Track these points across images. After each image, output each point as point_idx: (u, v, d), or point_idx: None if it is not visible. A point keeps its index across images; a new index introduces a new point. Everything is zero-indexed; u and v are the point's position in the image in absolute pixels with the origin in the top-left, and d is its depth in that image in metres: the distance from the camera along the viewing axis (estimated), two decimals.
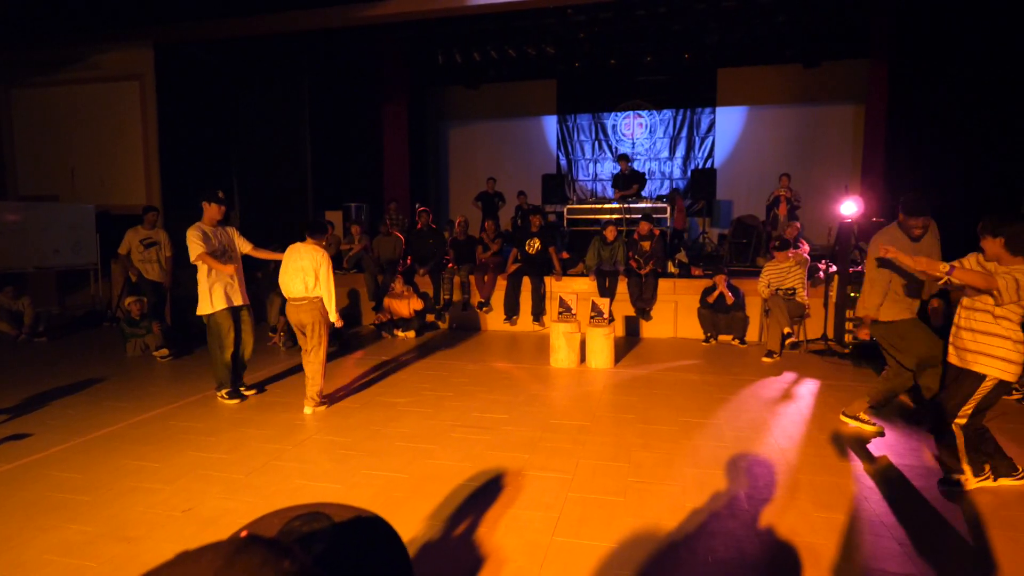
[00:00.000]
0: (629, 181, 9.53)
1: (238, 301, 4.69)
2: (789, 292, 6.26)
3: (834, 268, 6.90)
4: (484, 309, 7.84)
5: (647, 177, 12.06)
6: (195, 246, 4.45)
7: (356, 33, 10.23)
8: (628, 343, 6.99)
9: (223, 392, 4.73)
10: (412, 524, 2.78)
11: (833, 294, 6.66)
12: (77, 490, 3.20)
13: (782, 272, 6.35)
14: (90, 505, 3.02)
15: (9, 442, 3.90)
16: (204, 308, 4.57)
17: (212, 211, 4.61)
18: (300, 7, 8.62)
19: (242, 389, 4.90)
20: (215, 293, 4.55)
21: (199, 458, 3.62)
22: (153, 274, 6.73)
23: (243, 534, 0.65)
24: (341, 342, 6.91)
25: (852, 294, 6.44)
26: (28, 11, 9.00)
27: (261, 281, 7.73)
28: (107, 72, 9.33)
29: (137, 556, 2.54)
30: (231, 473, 3.39)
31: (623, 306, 7.36)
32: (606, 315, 5.95)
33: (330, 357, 6.30)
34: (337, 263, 8.66)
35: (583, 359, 5.93)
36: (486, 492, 3.12)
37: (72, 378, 5.46)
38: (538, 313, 7.62)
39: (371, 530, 0.99)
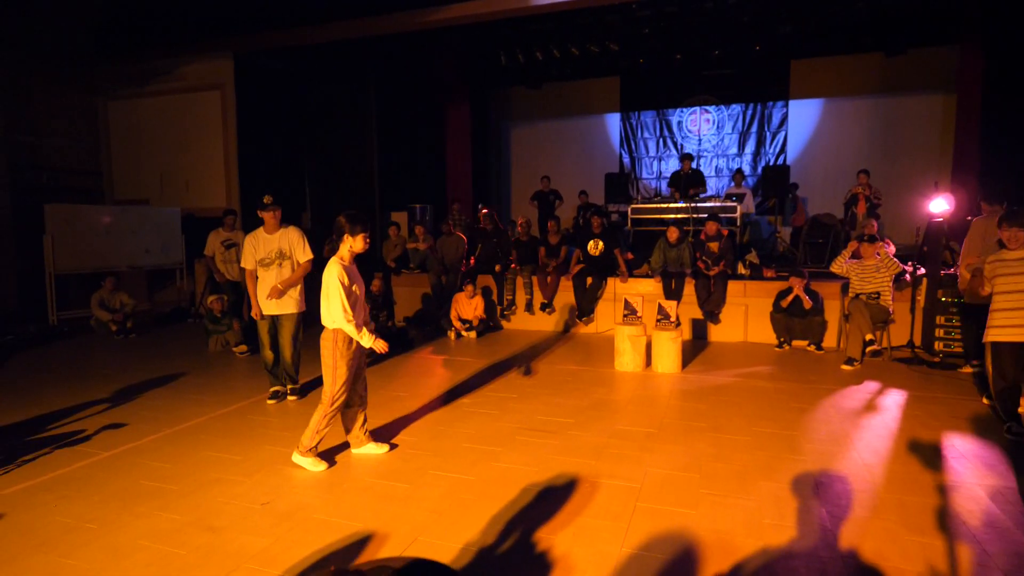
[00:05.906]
0: (692, 181, 9.22)
1: (276, 310, 4.74)
2: (872, 296, 5.87)
3: (922, 270, 6.44)
4: (547, 310, 7.80)
5: (715, 175, 11.68)
6: (244, 258, 4.76)
7: (419, 37, 10.41)
8: (695, 347, 6.79)
9: (269, 391, 4.95)
10: (478, 527, 2.79)
11: (921, 298, 6.22)
12: (167, 479, 3.40)
13: (867, 272, 5.95)
14: (178, 494, 3.20)
15: (108, 431, 4.20)
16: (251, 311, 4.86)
17: (267, 218, 4.68)
18: (368, 14, 8.87)
19: (286, 391, 5.00)
20: (255, 299, 4.76)
21: (276, 452, 3.77)
22: (233, 274, 7.05)
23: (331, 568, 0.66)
24: (405, 341, 7.05)
25: (943, 298, 6.00)
26: (120, 28, 9.69)
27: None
28: (191, 83, 9.92)
29: (221, 546, 2.67)
30: (305, 469, 3.51)
31: (690, 309, 7.14)
32: (672, 318, 5.80)
33: (394, 356, 6.44)
34: (403, 263, 8.86)
35: (649, 363, 5.80)
36: (552, 498, 3.09)
37: (159, 371, 5.83)
38: (588, 311, 7.49)
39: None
